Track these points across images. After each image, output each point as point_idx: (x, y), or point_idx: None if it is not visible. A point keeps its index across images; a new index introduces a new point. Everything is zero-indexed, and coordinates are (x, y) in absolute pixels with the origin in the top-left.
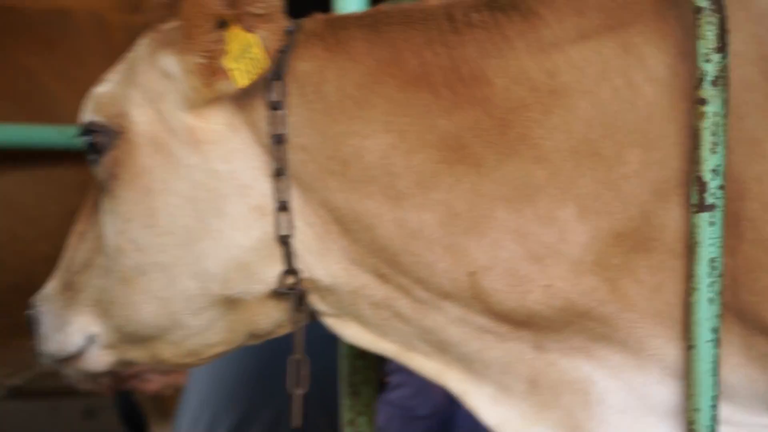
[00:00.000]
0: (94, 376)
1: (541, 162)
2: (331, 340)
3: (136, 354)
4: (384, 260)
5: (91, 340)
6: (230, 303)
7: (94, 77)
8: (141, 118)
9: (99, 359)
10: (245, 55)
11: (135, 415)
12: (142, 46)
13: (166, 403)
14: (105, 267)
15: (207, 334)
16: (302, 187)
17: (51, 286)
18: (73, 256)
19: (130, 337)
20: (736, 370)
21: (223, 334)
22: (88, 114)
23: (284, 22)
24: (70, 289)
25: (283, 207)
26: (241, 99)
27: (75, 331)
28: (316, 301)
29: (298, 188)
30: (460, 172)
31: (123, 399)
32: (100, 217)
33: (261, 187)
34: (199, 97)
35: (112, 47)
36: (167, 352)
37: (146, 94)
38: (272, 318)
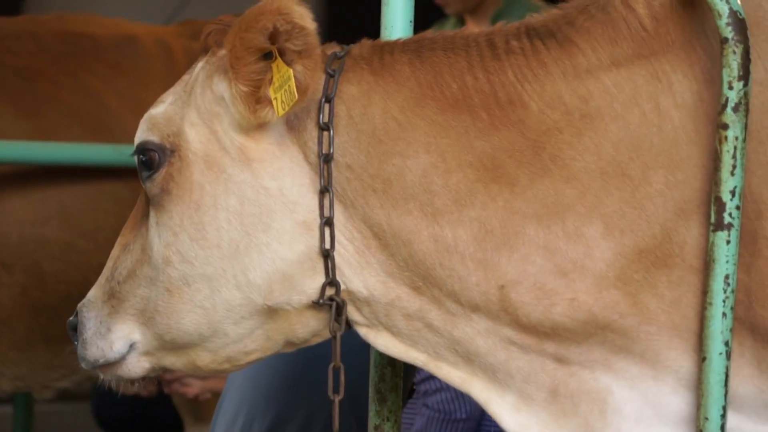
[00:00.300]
0: (130, 381)
1: (570, 181)
2: (363, 348)
3: (173, 360)
4: (419, 274)
5: (132, 347)
6: (271, 313)
7: (155, 99)
8: (195, 137)
9: (137, 365)
10: (284, 87)
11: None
12: (199, 69)
13: (203, 408)
14: (150, 277)
15: (245, 341)
16: (345, 203)
17: (94, 295)
18: (116, 267)
19: (169, 345)
20: (746, 381)
21: (260, 342)
22: (144, 133)
23: (320, 57)
24: (113, 297)
25: (327, 222)
26: (292, 120)
27: (118, 339)
28: (351, 312)
29: (342, 205)
30: (495, 191)
31: (100, 403)
32: (148, 230)
33: (307, 204)
34: (245, 121)
35: (174, 71)
36: (205, 359)
37: (201, 115)
38: (309, 327)
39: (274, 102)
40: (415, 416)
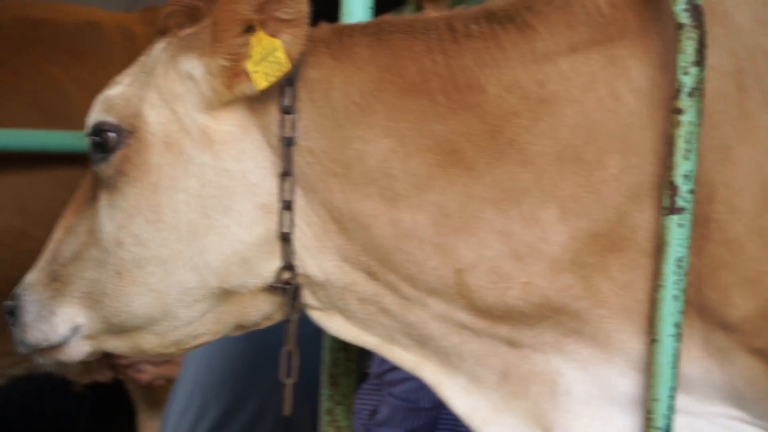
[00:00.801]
0: (68, 366)
1: (527, 166)
2: (316, 332)
3: (116, 344)
4: (376, 258)
5: (75, 330)
6: (224, 296)
7: None
8: (155, 118)
9: (78, 349)
10: (267, 58)
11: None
12: (160, 50)
13: (157, 394)
14: (99, 260)
15: (195, 325)
16: (306, 187)
17: (34, 278)
18: (59, 249)
19: (116, 328)
20: (694, 363)
21: (210, 325)
22: (100, 114)
23: (307, 29)
24: (56, 281)
25: (287, 206)
26: (255, 102)
27: (62, 322)
28: (305, 295)
29: (302, 189)
30: (454, 175)
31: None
32: (98, 212)
33: (268, 187)
34: (218, 98)
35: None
36: (151, 342)
37: (163, 95)
38: (262, 310)
39: (252, 75)
40: (376, 403)
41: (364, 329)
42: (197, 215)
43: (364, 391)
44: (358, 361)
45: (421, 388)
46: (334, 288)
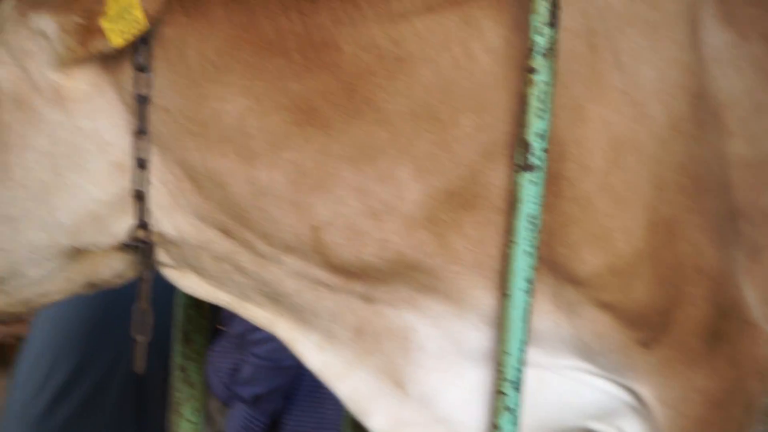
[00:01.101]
0: None
1: (383, 124)
2: (166, 288)
3: None
4: (232, 216)
5: None
6: (75, 254)
7: None
8: (4, 76)
9: None
10: (123, 15)
11: None
12: (7, 9)
13: (6, 353)
14: None
15: (44, 283)
16: (161, 145)
17: None
18: None
19: None
20: (545, 317)
21: (60, 284)
22: None
23: None
24: None
25: (141, 164)
26: (109, 60)
27: None
28: (158, 253)
29: (157, 147)
30: (310, 134)
31: None
32: None
33: (122, 145)
34: (71, 56)
35: None
36: None
37: (12, 53)
38: (114, 269)
39: (107, 33)
40: (237, 362)
41: (218, 287)
42: (48, 174)
43: (223, 349)
44: (211, 318)
45: (284, 347)
46: (188, 246)
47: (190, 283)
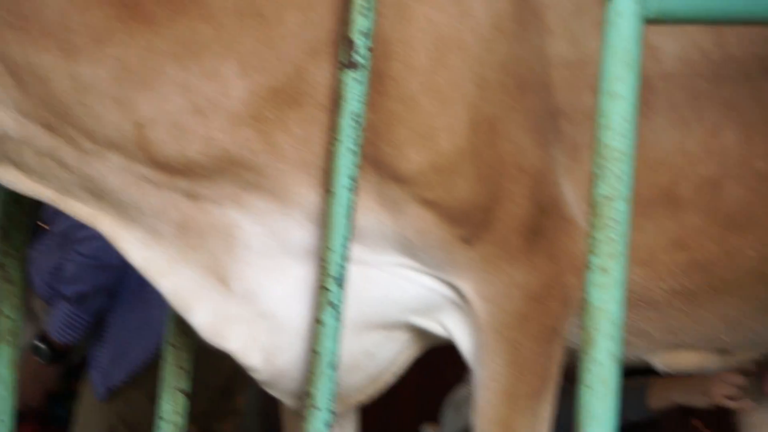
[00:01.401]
0: None
1: (208, 20)
2: None
3: None
4: (55, 112)
5: None
6: None
7: None
8: None
9: None
10: None
11: None
12: None
13: None
14: None
15: None
16: None
17: None
18: None
19: None
20: (368, 214)
21: None
22: None
23: None
24: None
25: None
26: None
27: None
28: None
29: None
30: (134, 29)
31: None
32: None
33: None
34: None
35: None
36: None
37: None
38: None
39: None
40: (60, 260)
41: (40, 182)
42: None
43: (45, 248)
44: (31, 215)
45: (110, 246)
46: (11, 141)
47: (11, 178)
